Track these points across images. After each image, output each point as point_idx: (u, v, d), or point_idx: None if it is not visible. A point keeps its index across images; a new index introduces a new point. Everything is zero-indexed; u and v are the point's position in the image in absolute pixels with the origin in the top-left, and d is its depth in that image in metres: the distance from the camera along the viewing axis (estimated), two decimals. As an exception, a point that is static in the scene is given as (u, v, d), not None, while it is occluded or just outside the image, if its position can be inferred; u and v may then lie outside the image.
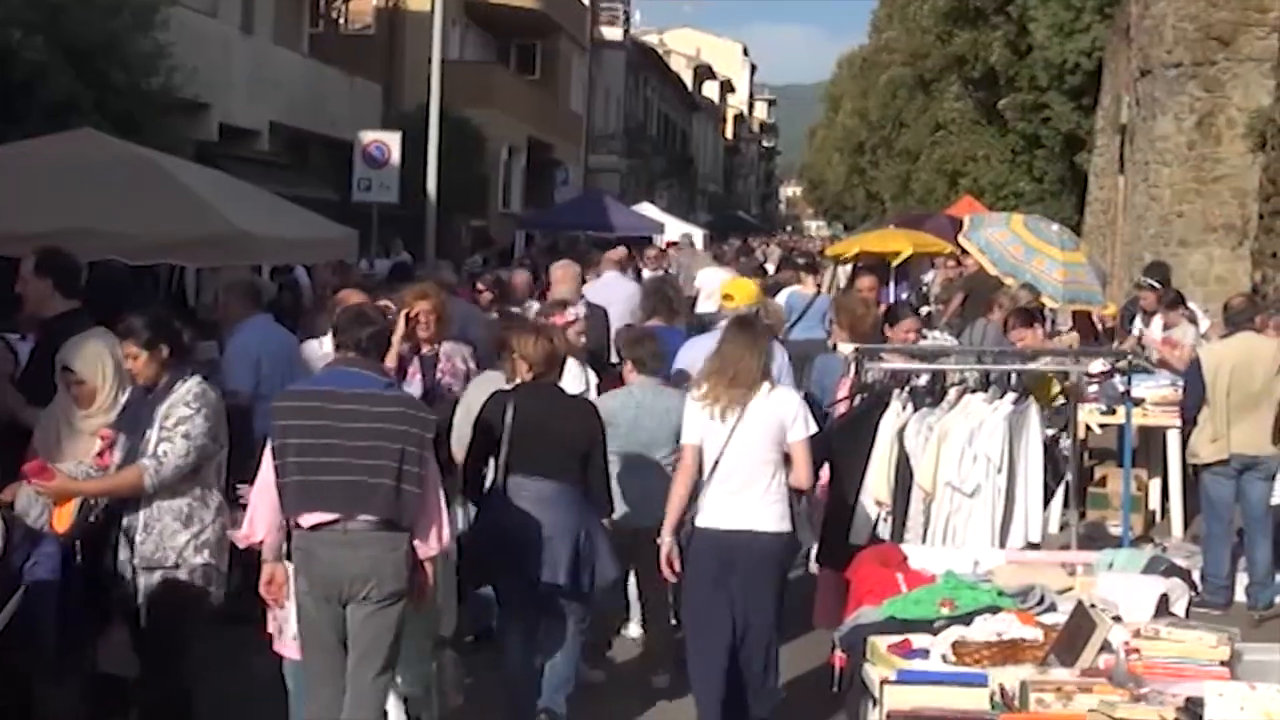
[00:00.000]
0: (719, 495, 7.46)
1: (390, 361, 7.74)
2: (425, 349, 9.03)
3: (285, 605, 6.80)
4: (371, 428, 6.42)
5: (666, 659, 8.79)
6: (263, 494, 6.57)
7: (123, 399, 7.11)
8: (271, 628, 7.07)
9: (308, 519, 6.43)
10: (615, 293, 14.08)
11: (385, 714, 6.92)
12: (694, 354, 9.65)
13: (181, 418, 6.69)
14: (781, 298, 15.25)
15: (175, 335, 6.93)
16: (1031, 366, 9.17)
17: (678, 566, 7.56)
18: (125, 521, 6.74)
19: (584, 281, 13.71)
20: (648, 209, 40.01)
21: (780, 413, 7.47)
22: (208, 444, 6.76)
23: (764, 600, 7.54)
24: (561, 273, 12.70)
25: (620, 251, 18.20)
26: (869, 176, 67.00)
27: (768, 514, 7.46)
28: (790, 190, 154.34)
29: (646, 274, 20.03)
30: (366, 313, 6.96)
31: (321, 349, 8.68)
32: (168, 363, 6.80)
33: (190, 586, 6.77)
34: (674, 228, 37.07)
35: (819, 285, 17.85)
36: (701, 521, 7.50)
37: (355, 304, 7.80)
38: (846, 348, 9.72)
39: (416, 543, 6.54)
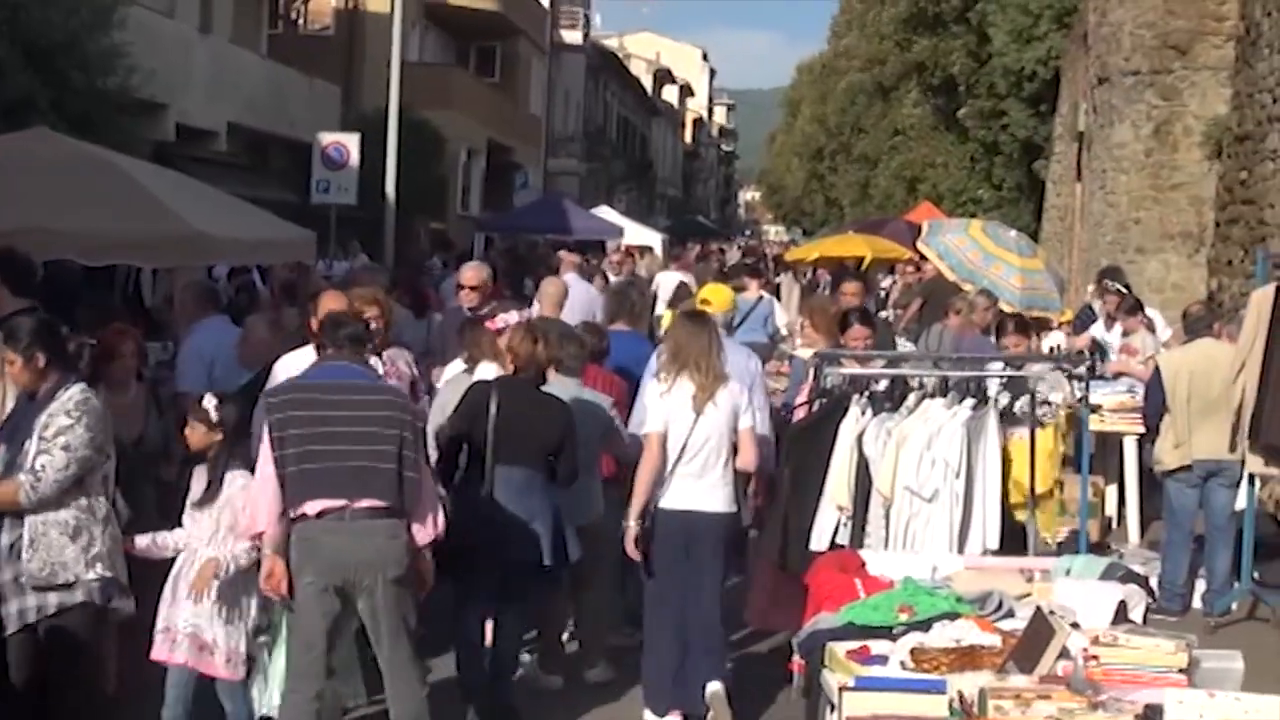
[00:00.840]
0: (682, 479, 7.92)
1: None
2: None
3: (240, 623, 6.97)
4: (368, 415, 6.62)
5: (622, 660, 8.79)
6: (263, 486, 6.65)
7: (9, 402, 6.95)
8: (212, 652, 6.99)
9: (312, 506, 6.52)
10: (572, 296, 13.99)
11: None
12: None
13: (61, 428, 6.45)
14: (732, 302, 15.19)
15: (56, 344, 6.72)
16: (991, 373, 9.14)
17: (640, 548, 7.94)
18: (7, 538, 6.50)
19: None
20: (606, 212, 39.94)
21: (735, 401, 7.96)
22: (89, 455, 6.53)
23: (712, 575, 8.04)
24: (552, 286, 12.33)
25: (575, 256, 18.16)
26: (828, 182, 67.22)
27: (720, 496, 7.99)
28: (749, 195, 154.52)
29: (613, 278, 19.97)
30: (343, 317, 7.26)
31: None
32: (45, 372, 6.59)
33: (89, 605, 6.57)
34: (633, 231, 37.03)
35: (762, 289, 17.81)
36: (665, 504, 7.94)
37: (331, 311, 7.72)
38: (806, 352, 9.72)
39: (414, 528, 6.71)
